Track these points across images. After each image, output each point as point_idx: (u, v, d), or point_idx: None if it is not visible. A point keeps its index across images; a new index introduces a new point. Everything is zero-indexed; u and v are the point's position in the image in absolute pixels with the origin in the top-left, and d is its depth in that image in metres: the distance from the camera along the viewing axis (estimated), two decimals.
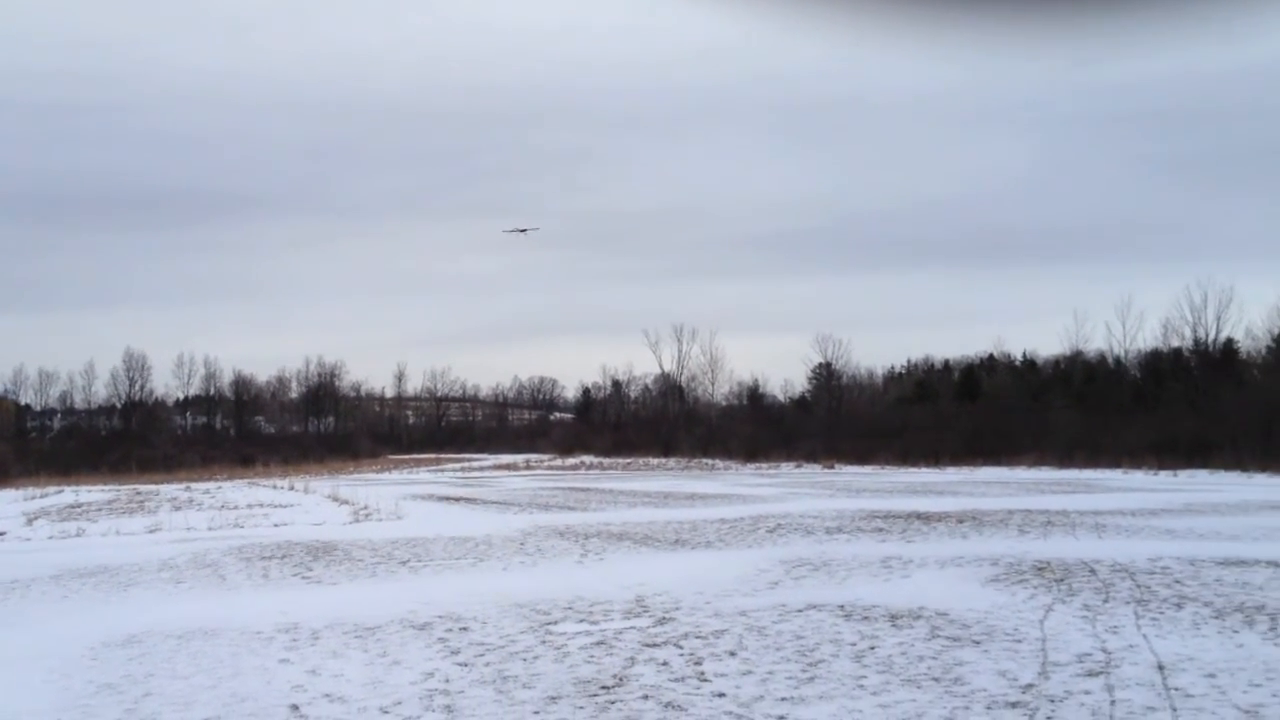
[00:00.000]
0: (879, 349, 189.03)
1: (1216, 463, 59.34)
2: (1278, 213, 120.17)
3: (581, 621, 12.71)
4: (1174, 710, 8.31)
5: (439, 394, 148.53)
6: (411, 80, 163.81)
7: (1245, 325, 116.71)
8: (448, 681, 9.79)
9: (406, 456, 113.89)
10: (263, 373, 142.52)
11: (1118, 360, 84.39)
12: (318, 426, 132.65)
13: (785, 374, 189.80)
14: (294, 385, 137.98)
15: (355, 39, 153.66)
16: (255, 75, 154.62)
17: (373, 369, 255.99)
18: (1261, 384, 72.01)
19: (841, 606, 13.44)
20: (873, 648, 10.88)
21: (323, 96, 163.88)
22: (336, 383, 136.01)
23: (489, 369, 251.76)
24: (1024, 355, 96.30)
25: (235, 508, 36.99)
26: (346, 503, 37.77)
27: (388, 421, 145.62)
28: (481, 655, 10.87)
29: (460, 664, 10.50)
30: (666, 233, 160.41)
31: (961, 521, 25.68)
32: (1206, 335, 77.05)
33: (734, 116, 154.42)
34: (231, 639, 12.12)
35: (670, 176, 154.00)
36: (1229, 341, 77.27)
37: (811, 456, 78.30)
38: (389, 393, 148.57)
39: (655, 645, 11.18)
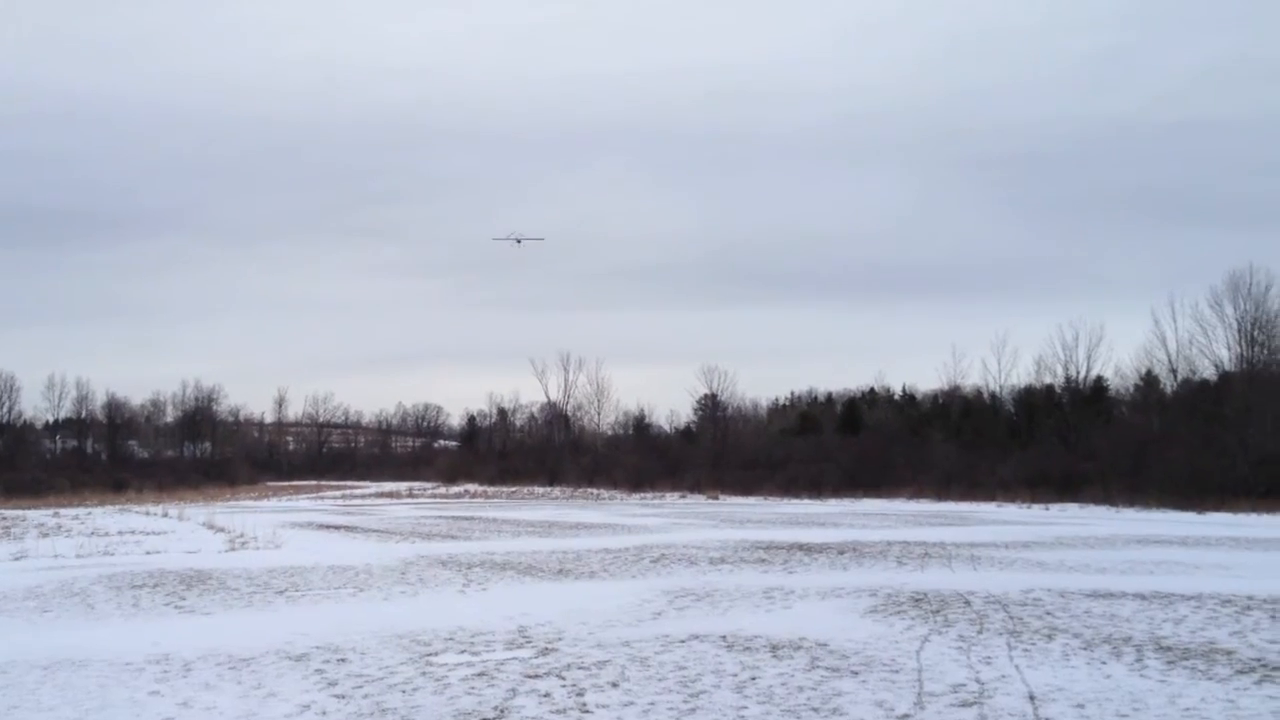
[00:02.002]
0: (764, 381, 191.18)
1: (1086, 497, 61.18)
2: (1145, 254, 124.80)
3: (463, 652, 12.57)
4: None
5: (321, 420, 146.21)
6: (296, 104, 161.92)
7: (1115, 364, 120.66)
8: (324, 714, 9.60)
9: (286, 483, 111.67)
10: (137, 396, 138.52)
11: (993, 396, 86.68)
12: (194, 452, 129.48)
13: (671, 404, 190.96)
14: (170, 409, 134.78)
15: (236, 62, 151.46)
16: (129, 96, 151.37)
17: (252, 394, 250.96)
18: (1129, 421, 74.50)
19: (724, 637, 13.52)
20: (754, 678, 10.95)
21: (203, 118, 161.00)
22: (214, 407, 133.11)
23: (372, 395, 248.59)
24: (904, 389, 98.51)
25: (106, 534, 35.86)
26: (222, 530, 36.87)
27: (267, 448, 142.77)
28: (360, 687, 10.68)
29: (337, 696, 10.31)
30: (555, 261, 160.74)
31: (842, 553, 26.03)
32: (1078, 373, 79.53)
33: (624, 146, 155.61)
34: (100, 670, 11.73)
35: (560, 205, 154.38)
36: (1099, 379, 79.88)
37: (696, 487, 78.77)
38: (269, 418, 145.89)
39: (537, 676, 11.11)
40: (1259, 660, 11.98)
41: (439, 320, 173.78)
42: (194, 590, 19.24)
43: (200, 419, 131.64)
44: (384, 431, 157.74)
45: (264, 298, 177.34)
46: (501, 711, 9.60)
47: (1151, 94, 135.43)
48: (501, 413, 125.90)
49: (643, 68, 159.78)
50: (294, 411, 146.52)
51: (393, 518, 46.69)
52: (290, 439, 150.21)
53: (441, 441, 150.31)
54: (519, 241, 70.41)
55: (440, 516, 47.18)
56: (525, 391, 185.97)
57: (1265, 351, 69.04)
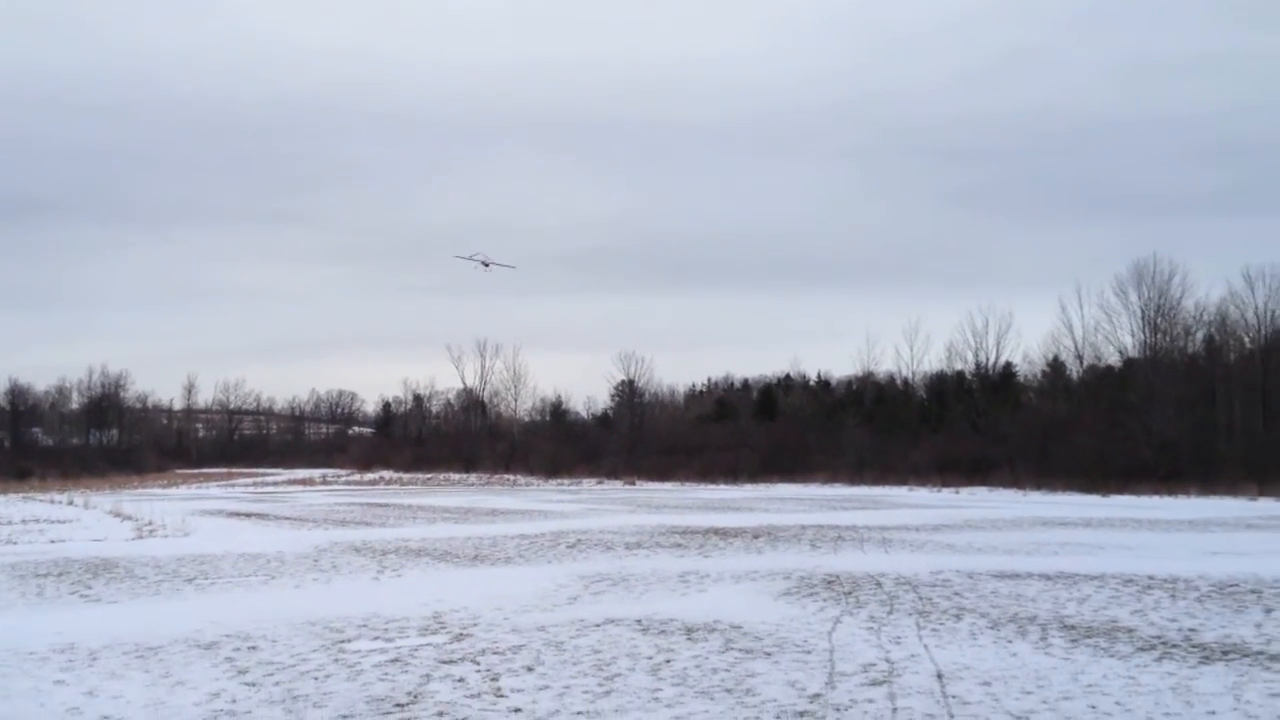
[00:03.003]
0: (681, 367, 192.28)
1: (995, 480, 62.45)
2: (1053, 244, 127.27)
3: (376, 639, 12.48)
4: (951, 717, 8.68)
5: (232, 407, 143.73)
6: (208, 87, 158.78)
7: (1023, 351, 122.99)
8: (234, 702, 9.47)
9: (196, 471, 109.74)
10: (41, 382, 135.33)
11: (906, 382, 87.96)
12: (100, 439, 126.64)
13: (589, 391, 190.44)
14: (75, 396, 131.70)
15: (146, 44, 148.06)
16: (36, 77, 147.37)
17: (161, 381, 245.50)
18: (1037, 407, 76.06)
19: (639, 621, 13.58)
20: (669, 661, 11.02)
21: (111, 101, 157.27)
22: (121, 394, 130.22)
23: (286, 382, 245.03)
24: (819, 376, 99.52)
25: (9, 523, 34.96)
26: (130, 518, 36.13)
27: (176, 435, 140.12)
28: (271, 675, 10.55)
29: (248, 684, 10.17)
30: (472, 247, 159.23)
31: (757, 537, 26.27)
32: (987, 360, 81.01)
33: (542, 134, 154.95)
34: (2, 660, 11.45)
35: (478, 191, 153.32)
36: (1008, 366, 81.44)
37: (613, 472, 78.93)
38: (178, 405, 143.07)
39: (452, 662, 11.07)
40: (1159, 638, 12.32)
41: (354, 306, 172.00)
42: (100, 579, 18.84)
43: (107, 406, 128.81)
44: (297, 418, 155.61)
45: (173, 283, 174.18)
46: (415, 697, 9.55)
47: (1057, 89, 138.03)
48: (417, 399, 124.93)
49: (563, 57, 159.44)
50: (204, 398, 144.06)
51: (306, 505, 46.13)
52: (200, 426, 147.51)
53: (356, 428, 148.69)
54: (486, 265, 62.84)
55: (354, 503, 46.72)
56: (442, 378, 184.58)
57: (1167, 338, 70.90)
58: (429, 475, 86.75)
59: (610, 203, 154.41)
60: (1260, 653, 11.43)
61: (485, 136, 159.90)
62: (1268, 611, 14.29)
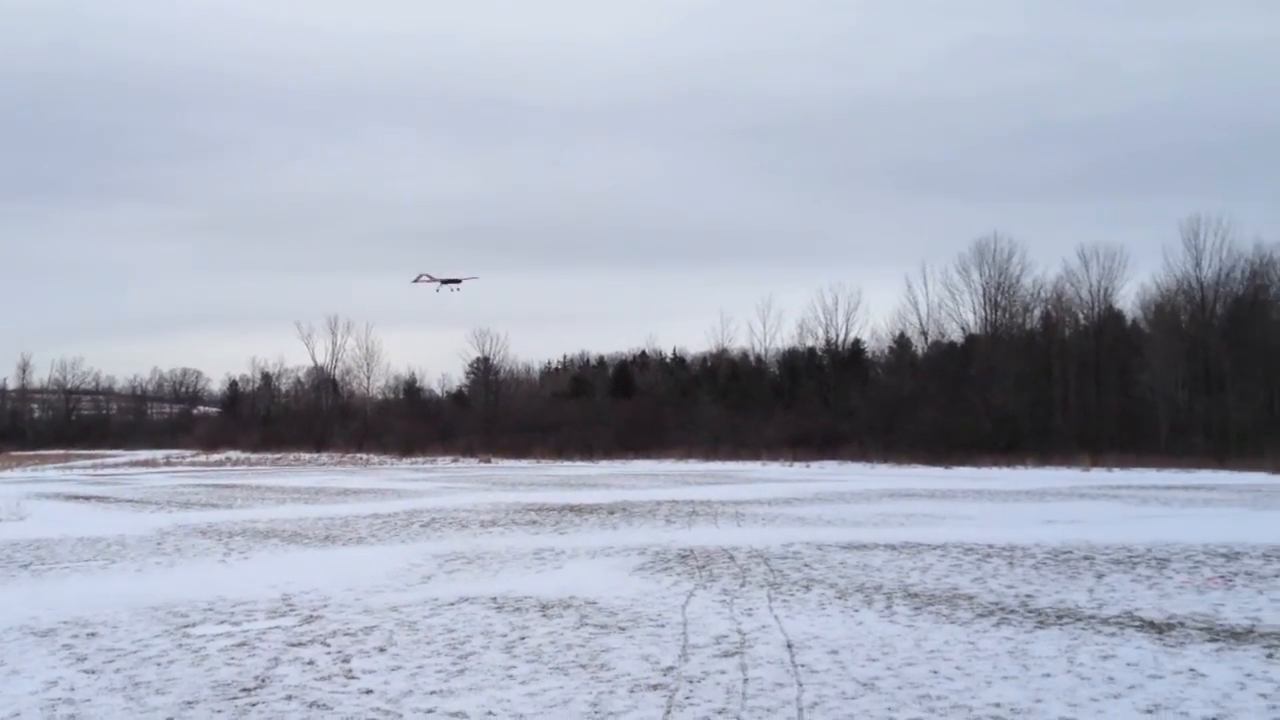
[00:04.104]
0: (537, 345, 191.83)
1: (845, 454, 63.97)
2: (899, 224, 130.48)
3: (222, 623, 12.17)
4: (800, 685, 8.87)
5: (69, 386, 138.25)
6: (36, 58, 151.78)
7: (871, 327, 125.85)
8: (72, 690, 9.14)
9: (31, 453, 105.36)
10: None
11: (759, 358, 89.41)
12: None
13: (443, 368, 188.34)
14: None
15: None
16: None
17: None
18: (884, 382, 78.08)
19: (494, 599, 13.53)
20: (523, 638, 11.01)
21: None
22: None
23: (127, 361, 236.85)
24: (674, 352, 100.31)
25: None
26: None
27: (9, 415, 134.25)
28: (111, 661, 10.21)
29: (87, 671, 9.82)
30: (323, 224, 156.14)
31: (612, 513, 26.42)
32: (837, 336, 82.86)
33: (393, 110, 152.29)
34: None
35: (327, 167, 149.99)
36: (857, 342, 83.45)
37: (469, 450, 78.46)
38: (11, 384, 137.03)
39: (301, 644, 10.86)
40: (997, 604, 12.79)
41: (199, 283, 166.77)
42: None
43: None
44: (139, 398, 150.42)
45: (4, 259, 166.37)
46: (263, 681, 9.35)
47: (898, 72, 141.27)
48: (266, 378, 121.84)
49: (408, 30, 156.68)
50: (39, 378, 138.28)
51: (148, 487, 44.69)
52: (35, 407, 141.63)
53: (202, 408, 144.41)
54: (450, 283, 55.26)
55: (200, 485, 45.44)
56: (291, 356, 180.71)
57: (1007, 315, 73.52)
58: (278, 455, 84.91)
59: (465, 179, 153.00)
60: (1092, 616, 11.95)
61: (340, 112, 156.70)
62: (1099, 577, 14.94)
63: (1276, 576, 14.86)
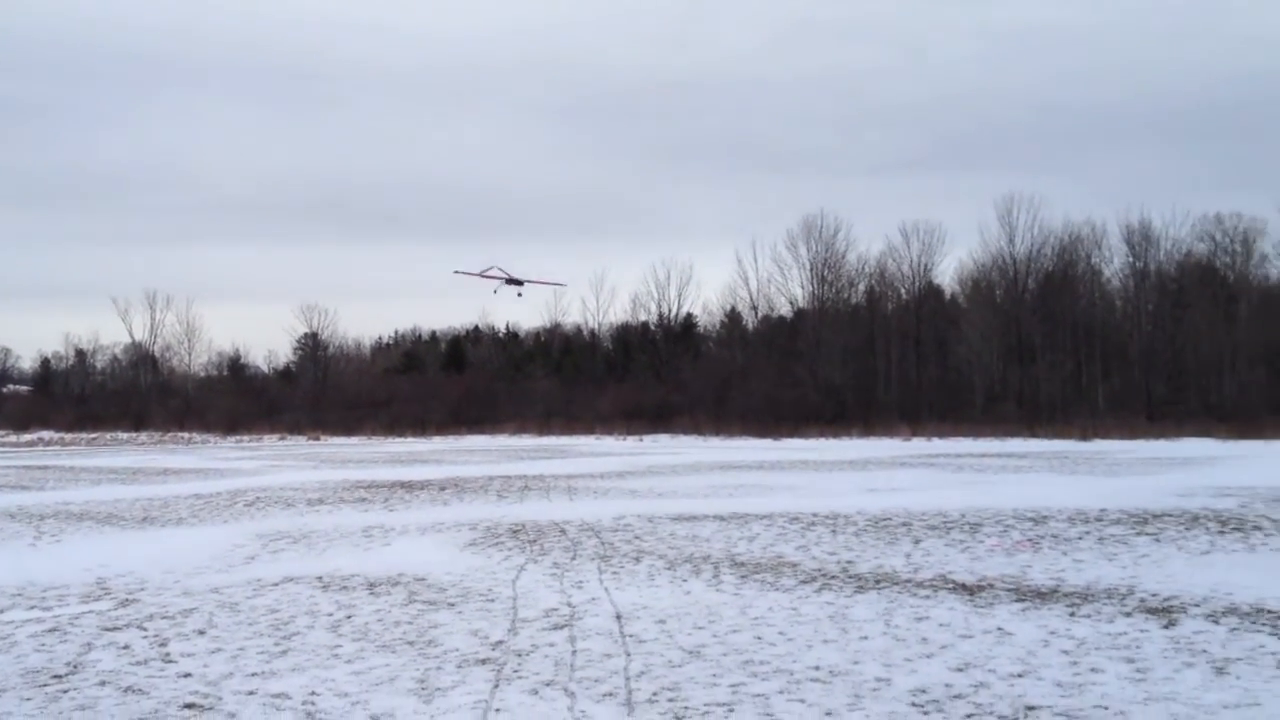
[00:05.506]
0: (367, 320, 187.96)
1: (677, 427, 64.79)
2: (730, 199, 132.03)
3: (33, 608, 11.66)
4: (628, 655, 8.97)
5: None
6: None
7: (703, 302, 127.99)
8: None
9: None
10: None
11: (593, 333, 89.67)
12: None
13: (269, 344, 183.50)
14: None
15: None
16: None
17: None
18: (716, 355, 79.35)
19: (320, 578, 13.29)
20: (349, 616, 10.85)
21: None
22: None
23: None
24: (507, 327, 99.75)
25: None
26: None
27: None
28: None
29: None
30: (138, 195, 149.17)
31: (444, 489, 26.21)
32: (670, 310, 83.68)
33: (215, 76, 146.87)
34: None
35: (143, 135, 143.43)
36: (689, 316, 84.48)
37: (296, 428, 76.72)
38: None
39: (116, 629, 10.49)
40: (820, 570, 13.16)
41: (5, 256, 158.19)
42: None
43: None
44: None
45: None
46: (75, 667, 9.01)
47: (727, 51, 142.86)
48: (80, 354, 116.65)
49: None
50: None
51: None
52: None
53: (11, 386, 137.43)
54: (515, 284, 44.54)
55: (9, 466, 43.29)
56: (107, 332, 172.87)
57: (833, 290, 75.40)
58: (95, 435, 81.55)
59: (294, 151, 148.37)
60: (909, 580, 12.40)
61: (161, 81, 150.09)
62: (916, 542, 15.51)
63: (1080, 539, 15.66)
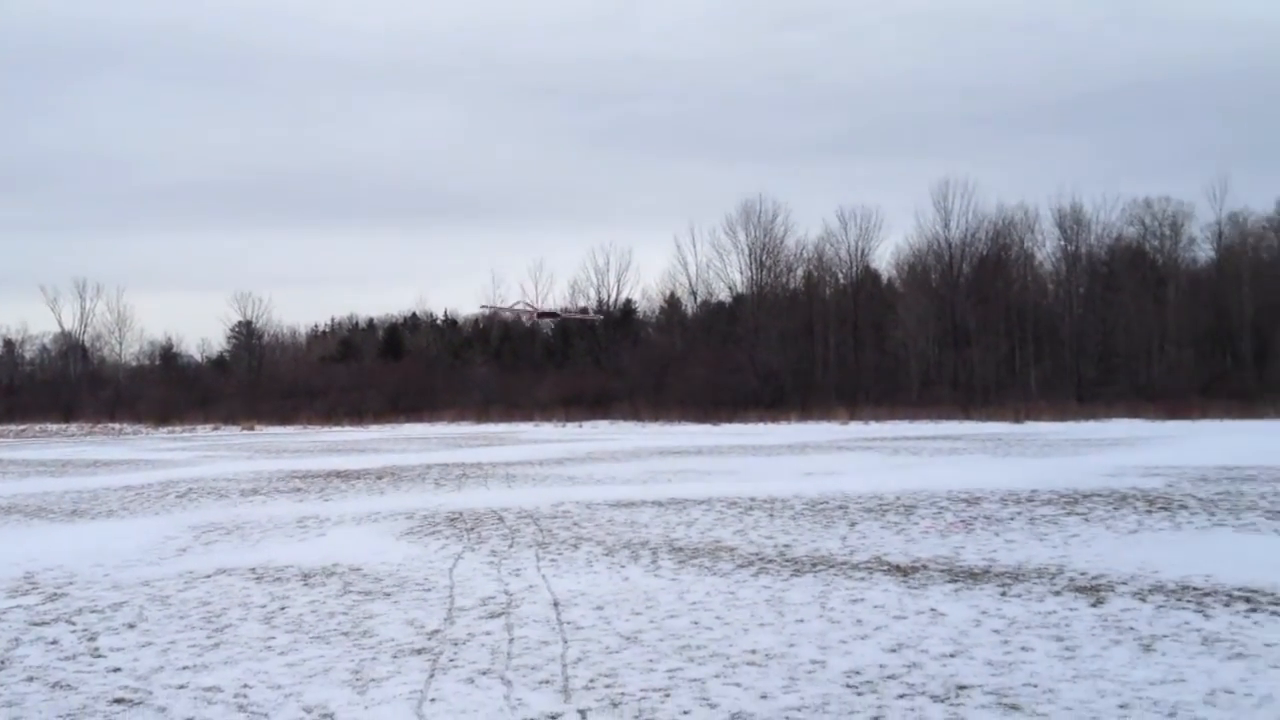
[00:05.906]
0: (302, 307, 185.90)
1: (617, 413, 64.88)
2: (669, 184, 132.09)
3: None
4: (565, 642, 8.96)
5: None
6: None
7: (642, 288, 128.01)
8: None
9: None
10: None
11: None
12: None
13: (203, 333, 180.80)
14: None
15: None
16: None
17: None
18: (655, 341, 79.47)
19: (253, 569, 13.14)
20: (283, 608, 10.74)
21: None
22: None
23: None
24: (445, 314, 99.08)
25: None
26: None
27: None
28: None
29: None
30: (67, 182, 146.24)
31: (381, 478, 26.03)
32: (609, 296, 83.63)
33: (142, 60, 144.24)
34: None
35: (68, 121, 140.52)
36: (628, 302, 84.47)
37: (230, 418, 75.77)
38: None
39: (44, 624, 10.30)
40: (757, 554, 13.23)
41: None
42: None
43: None
44: None
45: None
46: (2, 663, 8.83)
47: (665, 34, 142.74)
48: (8, 344, 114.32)
49: None
50: None
51: None
52: None
53: None
54: (548, 316, 43.03)
55: None
56: (35, 321, 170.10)
57: (772, 275, 75.81)
58: (22, 427, 80.00)
59: (225, 136, 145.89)
60: (844, 563, 12.51)
61: (74, 63, 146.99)
62: (852, 525, 15.64)
63: (1011, 520, 15.88)
